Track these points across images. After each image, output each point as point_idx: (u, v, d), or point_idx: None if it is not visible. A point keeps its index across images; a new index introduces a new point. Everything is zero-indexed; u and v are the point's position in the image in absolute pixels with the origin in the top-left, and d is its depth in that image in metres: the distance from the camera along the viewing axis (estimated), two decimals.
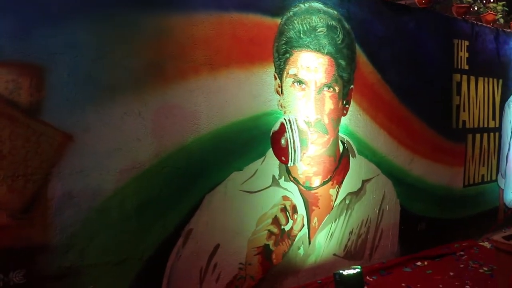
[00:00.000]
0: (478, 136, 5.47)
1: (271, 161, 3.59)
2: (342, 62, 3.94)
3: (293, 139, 3.67)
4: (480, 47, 5.42)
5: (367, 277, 4.06)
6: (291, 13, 3.63)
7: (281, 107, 3.62)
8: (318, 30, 3.76)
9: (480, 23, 5.45)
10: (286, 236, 3.71)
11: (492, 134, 5.68)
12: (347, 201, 4.12)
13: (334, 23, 3.88)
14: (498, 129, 5.79)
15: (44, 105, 2.57)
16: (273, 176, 3.61)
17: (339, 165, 4.04)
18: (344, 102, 4.02)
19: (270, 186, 3.60)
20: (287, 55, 3.62)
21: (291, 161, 3.70)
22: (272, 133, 3.59)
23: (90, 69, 2.72)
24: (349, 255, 4.17)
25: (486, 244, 5.17)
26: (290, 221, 3.73)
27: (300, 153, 3.72)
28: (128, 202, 2.90)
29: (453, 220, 5.24)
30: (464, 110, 5.27)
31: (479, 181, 5.56)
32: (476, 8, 5.55)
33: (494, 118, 5.71)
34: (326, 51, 3.81)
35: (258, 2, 3.45)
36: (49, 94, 2.58)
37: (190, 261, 3.19)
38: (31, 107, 2.53)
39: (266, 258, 3.61)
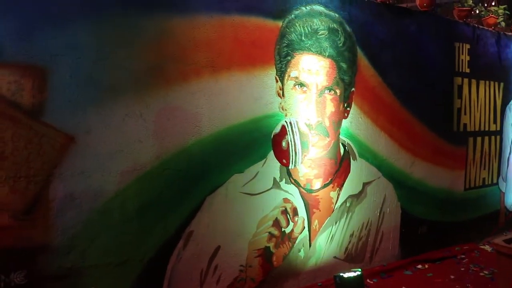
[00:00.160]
0: (479, 139, 5.47)
1: (272, 163, 3.60)
2: (344, 65, 3.94)
3: (294, 141, 3.68)
4: (482, 50, 5.43)
5: (368, 280, 4.06)
6: (292, 16, 3.64)
7: (282, 109, 3.63)
8: (320, 33, 3.77)
9: (481, 27, 5.45)
10: (286, 238, 3.72)
11: (493, 137, 5.68)
12: (347, 204, 4.12)
13: (335, 26, 3.89)
14: (499, 133, 5.79)
15: (46, 106, 2.58)
16: (274, 179, 3.62)
17: (340, 168, 4.04)
18: (345, 105, 4.03)
19: (271, 188, 3.60)
20: (289, 57, 3.63)
21: (292, 163, 3.70)
22: (273, 136, 3.60)
23: (92, 71, 2.73)
24: (350, 257, 4.17)
25: (487, 248, 5.16)
26: (291, 224, 3.73)
27: (301, 156, 3.73)
28: (129, 204, 2.90)
29: (454, 223, 5.23)
30: (465, 114, 5.27)
31: (480, 184, 5.56)
32: (477, 12, 5.57)
33: (495, 122, 5.71)
34: (327, 54, 3.82)
35: (260, 5, 3.46)
36: (51, 96, 2.60)
37: (191, 263, 3.20)
38: (33, 108, 2.54)
39: (267, 260, 3.61)
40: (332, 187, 4.00)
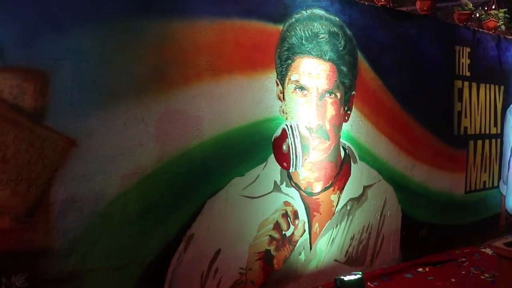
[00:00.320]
0: (479, 142, 5.47)
1: (272, 166, 3.61)
2: (344, 69, 3.95)
3: (295, 145, 3.69)
4: (482, 53, 5.44)
5: (368, 283, 4.06)
6: (293, 19, 3.65)
7: (283, 113, 3.64)
8: (320, 37, 3.79)
9: (481, 30, 5.47)
10: (287, 241, 3.72)
11: (493, 140, 5.68)
12: (348, 207, 4.12)
13: (336, 30, 3.90)
14: (500, 136, 5.79)
15: (48, 110, 2.59)
16: (275, 182, 3.63)
17: (340, 171, 4.05)
18: (345, 108, 4.03)
19: (271, 191, 3.61)
20: (289, 61, 3.64)
21: (292, 166, 3.71)
22: (274, 139, 3.61)
23: (93, 75, 2.74)
24: (350, 260, 4.17)
25: (488, 251, 5.15)
26: (292, 227, 3.74)
27: (301, 159, 3.74)
28: (131, 207, 2.91)
29: (455, 226, 5.23)
30: (465, 117, 5.27)
31: (481, 187, 5.56)
32: (477, 15, 5.58)
33: (495, 125, 5.71)
34: (328, 58, 3.83)
35: (260, 9, 3.47)
36: (53, 99, 2.60)
37: (192, 266, 3.20)
38: (35, 112, 2.55)
39: (267, 263, 3.61)
40: (333, 190, 4.01)
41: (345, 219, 4.11)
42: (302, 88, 3.71)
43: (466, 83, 5.26)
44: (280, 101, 3.62)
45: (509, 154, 5.92)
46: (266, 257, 3.60)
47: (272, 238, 3.62)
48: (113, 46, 2.81)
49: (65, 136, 2.65)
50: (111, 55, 2.80)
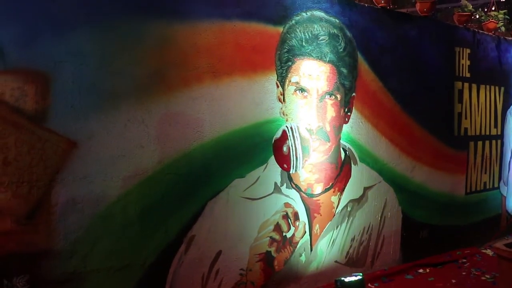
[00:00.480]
0: (480, 143, 5.48)
1: (273, 168, 3.61)
2: (344, 70, 3.96)
3: (295, 146, 3.70)
4: (482, 55, 5.44)
5: (369, 284, 4.06)
6: (293, 21, 3.66)
7: (283, 114, 3.65)
8: (320, 39, 3.80)
9: (481, 31, 5.47)
10: (288, 243, 3.73)
11: (494, 141, 5.68)
12: (348, 208, 4.13)
13: (336, 32, 3.91)
14: (500, 137, 5.79)
15: (49, 112, 2.61)
16: (275, 183, 3.63)
17: (340, 172, 4.05)
18: (346, 110, 4.04)
19: (272, 193, 3.62)
20: (289, 63, 3.65)
21: (293, 168, 3.72)
22: (274, 141, 3.61)
23: (94, 77, 2.75)
24: (351, 262, 4.17)
25: (489, 252, 5.15)
26: (292, 228, 3.74)
27: (302, 160, 3.74)
28: (131, 209, 2.92)
29: (455, 227, 5.23)
30: (466, 118, 5.28)
31: (481, 188, 5.56)
32: (477, 16, 5.59)
33: (496, 126, 5.71)
34: (328, 59, 3.84)
35: (260, 11, 3.49)
36: (54, 102, 2.62)
37: (192, 268, 3.21)
38: (36, 114, 2.57)
39: (268, 264, 3.62)
40: (333, 192, 4.01)
41: (346, 221, 4.11)
42: (302, 89, 3.72)
43: (466, 84, 5.26)
44: (280, 102, 3.63)
45: (510, 155, 5.92)
46: (267, 259, 3.60)
47: (272, 239, 3.63)
48: (113, 49, 2.82)
49: (66, 138, 2.66)
50: (112, 57, 2.82)
